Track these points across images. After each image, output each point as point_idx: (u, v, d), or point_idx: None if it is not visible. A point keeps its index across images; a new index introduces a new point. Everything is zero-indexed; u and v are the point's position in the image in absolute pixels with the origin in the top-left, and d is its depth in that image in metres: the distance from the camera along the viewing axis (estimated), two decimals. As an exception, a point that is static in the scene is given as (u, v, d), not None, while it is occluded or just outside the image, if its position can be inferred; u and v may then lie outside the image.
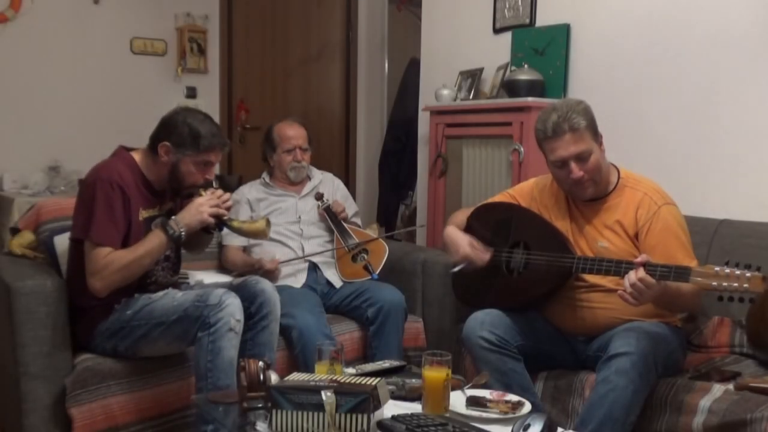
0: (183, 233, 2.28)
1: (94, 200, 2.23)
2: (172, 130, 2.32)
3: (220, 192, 2.37)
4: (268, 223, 2.49)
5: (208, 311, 2.18)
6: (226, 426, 1.91)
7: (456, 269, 2.44)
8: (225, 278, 2.88)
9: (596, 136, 2.23)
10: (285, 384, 1.76)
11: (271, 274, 2.86)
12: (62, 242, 2.55)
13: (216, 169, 2.46)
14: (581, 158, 2.19)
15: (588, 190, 2.26)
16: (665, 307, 2.20)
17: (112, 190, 2.24)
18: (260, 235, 2.50)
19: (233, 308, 2.20)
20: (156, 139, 2.35)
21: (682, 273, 1.97)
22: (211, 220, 2.32)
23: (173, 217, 2.31)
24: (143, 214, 2.33)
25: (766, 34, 2.64)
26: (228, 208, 2.38)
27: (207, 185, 2.38)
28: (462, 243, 2.40)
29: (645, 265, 1.98)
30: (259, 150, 3.29)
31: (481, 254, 2.37)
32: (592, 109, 2.25)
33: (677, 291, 2.06)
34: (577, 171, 2.19)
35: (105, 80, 4.72)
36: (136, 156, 2.39)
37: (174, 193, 2.43)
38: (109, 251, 2.21)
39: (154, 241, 2.26)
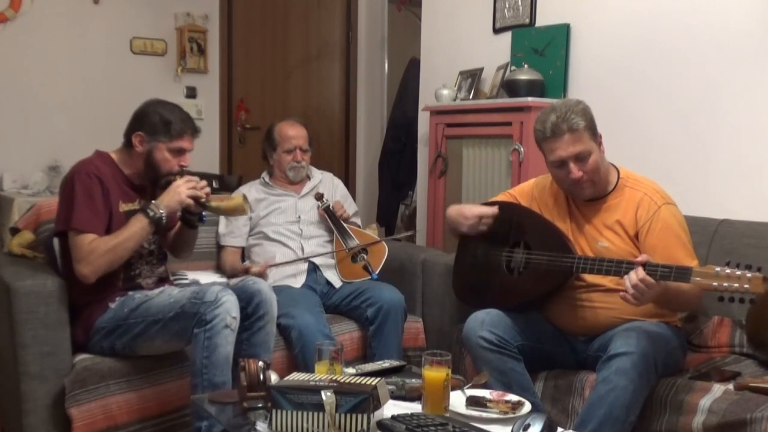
0: (163, 215, 2.32)
1: (74, 192, 2.29)
2: (144, 120, 2.40)
3: (197, 178, 2.42)
4: (245, 198, 2.52)
5: (204, 308, 2.19)
6: (220, 422, 1.91)
7: (474, 231, 2.43)
8: (222, 279, 2.88)
9: (595, 136, 2.23)
10: (285, 384, 1.76)
11: (261, 277, 2.85)
12: (63, 242, 2.56)
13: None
14: (580, 158, 2.19)
15: (586, 191, 2.26)
16: (666, 306, 2.20)
17: (90, 180, 2.30)
18: (238, 210, 2.50)
19: (229, 305, 2.21)
20: (130, 132, 2.42)
21: (682, 273, 1.97)
22: (190, 201, 2.37)
23: (153, 201, 2.35)
24: (123, 207, 2.38)
25: (766, 34, 2.64)
26: (206, 194, 2.42)
27: (182, 173, 2.43)
28: (468, 205, 2.46)
29: (645, 265, 1.98)
30: (259, 150, 3.30)
31: (489, 209, 2.41)
32: (591, 109, 2.25)
33: (678, 290, 2.06)
34: (576, 171, 2.19)
35: (105, 80, 4.71)
36: (112, 154, 2.46)
37: (151, 183, 2.46)
38: (93, 237, 2.26)
39: (136, 224, 2.30)
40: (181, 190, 2.35)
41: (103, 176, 2.33)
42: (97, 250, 2.24)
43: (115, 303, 2.33)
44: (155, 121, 2.38)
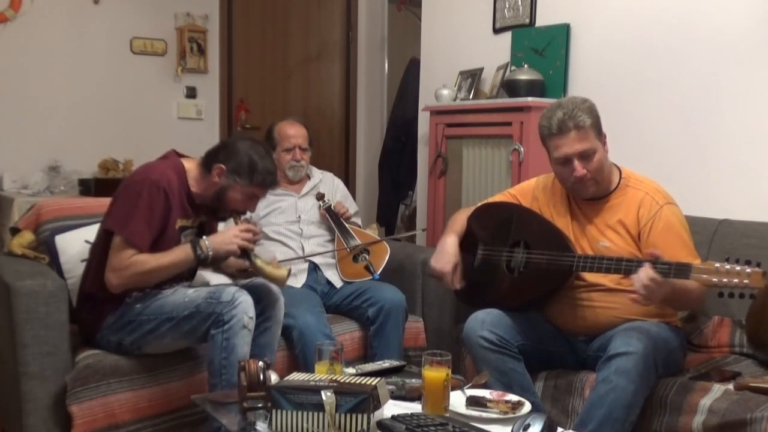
0: (210, 257, 2.30)
1: (139, 199, 2.24)
2: (232, 156, 2.35)
3: (253, 226, 2.40)
4: (290, 273, 2.50)
5: (222, 308, 2.20)
6: (220, 422, 1.91)
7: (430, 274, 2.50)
8: (228, 279, 2.88)
9: (600, 135, 2.23)
10: (285, 384, 1.76)
11: None
12: (64, 242, 2.56)
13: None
14: (585, 156, 2.19)
15: (590, 189, 2.26)
16: (672, 304, 2.20)
17: (158, 194, 2.25)
18: (278, 281, 2.47)
19: (246, 305, 2.22)
20: (213, 158, 2.37)
21: (682, 270, 1.97)
22: (238, 252, 2.35)
23: (204, 238, 2.32)
24: (179, 223, 2.35)
25: (765, 34, 2.64)
26: (256, 242, 2.41)
27: (243, 214, 2.43)
28: (448, 260, 2.39)
29: (653, 261, 1.98)
30: (258, 150, 3.29)
31: (454, 282, 2.39)
32: (597, 108, 2.25)
33: (683, 288, 2.06)
34: (580, 169, 2.19)
35: (105, 80, 4.72)
36: (188, 164, 2.41)
37: (211, 213, 2.46)
38: (134, 252, 2.23)
39: (181, 255, 2.28)
40: (236, 241, 2.31)
41: (171, 191, 2.28)
42: (133, 268, 2.22)
43: (130, 298, 2.32)
44: (243, 162, 2.33)
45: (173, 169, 2.36)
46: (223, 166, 2.34)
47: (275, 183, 2.46)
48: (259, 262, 2.43)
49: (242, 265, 2.92)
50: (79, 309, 2.32)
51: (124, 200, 2.29)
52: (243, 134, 2.52)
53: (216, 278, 2.84)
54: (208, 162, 2.38)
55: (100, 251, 2.32)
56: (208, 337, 2.22)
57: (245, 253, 2.37)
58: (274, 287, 2.45)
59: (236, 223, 2.40)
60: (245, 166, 2.34)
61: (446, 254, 2.41)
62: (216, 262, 2.45)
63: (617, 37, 3.13)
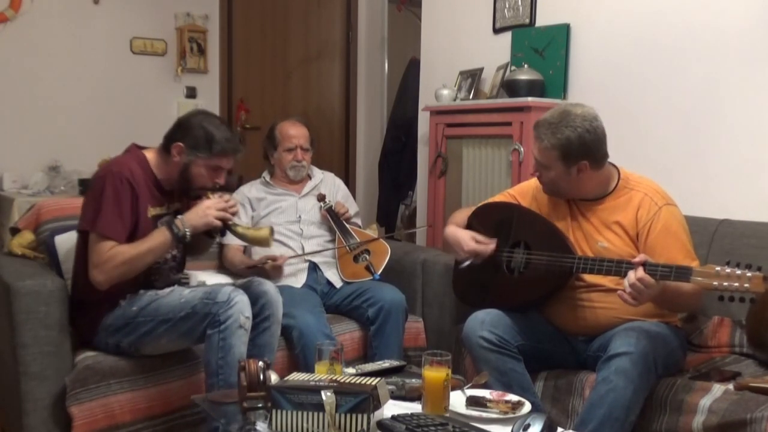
0: (188, 233, 2.29)
1: (103, 193, 2.24)
2: (187, 132, 2.34)
3: (227, 197, 2.39)
4: (272, 231, 2.49)
5: (218, 308, 2.19)
6: (236, 421, 1.91)
7: (464, 265, 2.44)
8: (226, 279, 2.88)
9: (567, 160, 2.20)
10: (285, 384, 1.76)
11: (278, 271, 2.87)
12: (63, 242, 2.56)
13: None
14: (540, 165, 2.27)
15: (545, 189, 2.35)
16: (665, 306, 2.20)
17: (121, 185, 2.25)
18: (263, 242, 2.49)
19: (242, 305, 2.22)
20: (170, 138, 2.37)
21: (683, 273, 1.97)
22: (217, 223, 2.34)
23: (179, 217, 2.32)
24: (151, 212, 2.35)
25: (766, 34, 2.64)
26: (233, 213, 2.40)
27: (215, 189, 2.40)
28: (465, 239, 2.41)
29: (644, 264, 1.98)
30: (258, 150, 3.30)
31: (486, 246, 2.39)
32: (585, 137, 2.17)
33: (677, 290, 2.06)
34: (535, 169, 2.30)
35: (105, 80, 4.72)
36: (148, 154, 2.41)
37: (182, 194, 2.45)
38: (113, 245, 2.23)
39: (159, 238, 2.27)
40: (210, 212, 2.31)
41: (135, 181, 2.28)
42: (114, 260, 2.22)
43: (126, 300, 2.32)
44: (198, 136, 2.32)
45: (135, 160, 2.36)
46: (181, 144, 2.33)
47: (237, 149, 2.41)
48: (240, 229, 2.44)
49: (247, 263, 2.93)
50: (74, 315, 2.31)
51: (90, 199, 2.30)
52: (195, 109, 2.48)
53: (212, 278, 2.85)
54: (166, 144, 2.37)
55: (81, 256, 2.32)
56: (205, 338, 2.22)
57: (224, 224, 2.36)
58: (272, 287, 2.44)
59: (208, 199, 2.38)
60: (202, 138, 2.32)
61: (459, 237, 2.43)
62: (197, 240, 2.42)
63: (617, 37, 3.13)
